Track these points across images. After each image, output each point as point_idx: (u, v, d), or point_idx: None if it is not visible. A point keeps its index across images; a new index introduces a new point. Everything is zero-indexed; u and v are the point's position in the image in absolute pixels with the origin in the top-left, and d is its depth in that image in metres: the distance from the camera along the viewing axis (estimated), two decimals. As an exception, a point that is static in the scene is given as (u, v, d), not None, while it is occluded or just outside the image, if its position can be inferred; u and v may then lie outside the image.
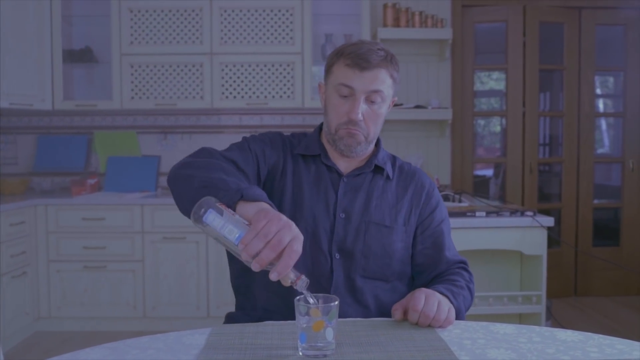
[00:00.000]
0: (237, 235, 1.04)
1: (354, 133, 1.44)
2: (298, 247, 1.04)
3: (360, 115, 1.42)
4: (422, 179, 1.59)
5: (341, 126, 1.45)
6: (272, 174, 1.51)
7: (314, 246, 1.44)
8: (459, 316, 1.33)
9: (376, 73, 1.41)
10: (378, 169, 1.54)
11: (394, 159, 1.62)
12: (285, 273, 1.04)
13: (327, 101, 1.50)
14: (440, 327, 1.23)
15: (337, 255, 1.45)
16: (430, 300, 1.24)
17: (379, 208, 1.49)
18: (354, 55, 1.41)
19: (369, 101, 1.43)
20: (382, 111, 1.46)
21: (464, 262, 1.57)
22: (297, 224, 1.23)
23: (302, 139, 1.58)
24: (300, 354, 1.08)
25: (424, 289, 1.30)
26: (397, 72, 1.48)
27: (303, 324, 1.07)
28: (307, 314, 1.07)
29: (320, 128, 1.59)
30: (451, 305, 1.29)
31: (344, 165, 1.53)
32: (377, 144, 1.58)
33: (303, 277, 1.07)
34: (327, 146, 1.54)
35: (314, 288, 1.12)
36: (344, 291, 1.43)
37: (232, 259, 1.52)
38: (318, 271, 1.43)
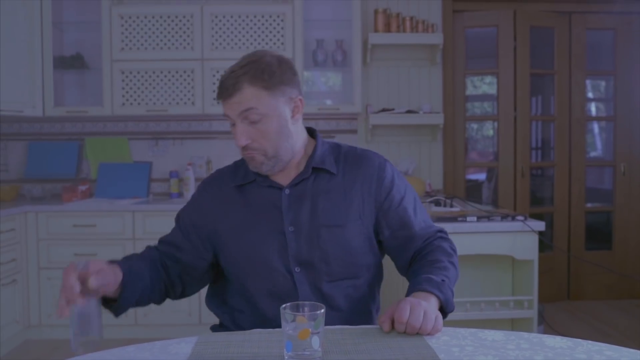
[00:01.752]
0: None
1: (251, 156, 1.43)
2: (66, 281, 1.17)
3: (242, 140, 1.39)
4: (369, 163, 1.52)
5: (241, 152, 1.45)
6: (210, 228, 1.51)
7: (268, 269, 1.44)
8: (448, 303, 1.33)
9: (239, 95, 1.37)
10: (319, 169, 1.50)
11: (338, 149, 1.56)
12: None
13: None
14: (428, 334, 1.22)
15: (298, 269, 1.44)
16: (416, 311, 1.21)
17: (326, 210, 1.46)
18: (218, 87, 1.40)
19: (250, 121, 1.39)
20: (269, 126, 1.40)
21: (441, 231, 1.54)
22: (246, 254, 1.39)
23: (238, 169, 1.55)
24: None
25: (409, 299, 1.26)
26: (271, 79, 1.38)
27: (289, 332, 1.06)
28: (293, 321, 1.06)
29: None
30: (438, 312, 1.26)
31: (284, 178, 1.49)
32: (316, 139, 1.55)
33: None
34: None
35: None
36: (314, 301, 1.42)
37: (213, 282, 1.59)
38: (281, 291, 1.44)
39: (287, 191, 1.48)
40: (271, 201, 1.47)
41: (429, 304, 1.27)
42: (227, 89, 1.37)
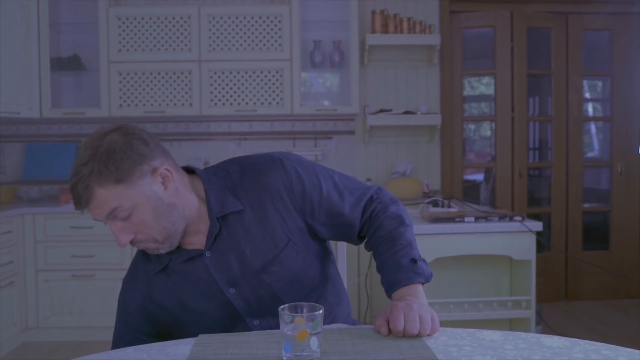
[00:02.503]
0: None
1: (144, 247, 1.30)
2: None
3: (123, 238, 1.26)
4: (267, 176, 1.36)
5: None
6: (154, 324, 1.41)
7: (228, 328, 1.36)
8: (429, 277, 1.32)
9: (94, 202, 1.22)
10: (224, 215, 1.34)
11: (229, 179, 1.37)
12: None
13: None
14: (428, 335, 1.22)
15: (257, 322, 1.37)
16: (410, 317, 1.18)
17: (254, 252, 1.34)
18: (71, 195, 1.24)
19: (120, 219, 1.24)
20: (144, 215, 1.25)
21: (375, 193, 1.43)
22: (205, 331, 1.29)
23: (148, 256, 1.40)
24: None
25: (399, 305, 1.20)
26: (119, 170, 1.21)
27: (287, 333, 1.06)
28: (292, 322, 1.06)
29: None
30: (433, 312, 1.23)
31: (199, 240, 1.35)
32: (204, 183, 1.36)
33: None
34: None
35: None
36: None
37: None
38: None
39: (207, 254, 1.34)
40: (198, 272, 1.35)
41: (418, 301, 1.24)
42: (80, 198, 1.21)
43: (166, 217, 1.28)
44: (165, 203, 1.27)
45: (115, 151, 1.22)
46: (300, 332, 1.05)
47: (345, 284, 1.60)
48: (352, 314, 1.60)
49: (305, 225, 1.39)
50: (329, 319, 1.43)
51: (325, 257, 1.48)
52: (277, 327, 1.23)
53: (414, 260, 1.31)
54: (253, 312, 1.37)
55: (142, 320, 1.41)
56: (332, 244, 1.59)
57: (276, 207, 1.35)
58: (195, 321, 1.37)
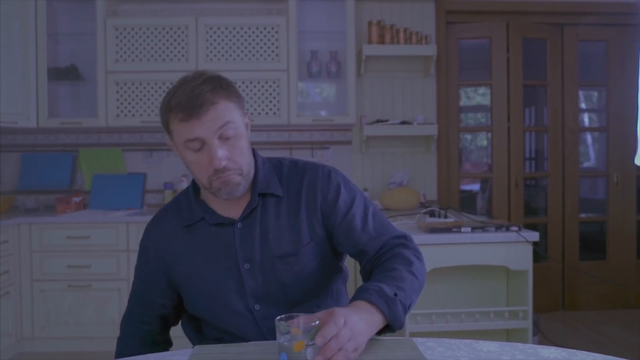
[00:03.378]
0: None
1: (228, 179, 1.31)
2: None
3: (222, 161, 1.28)
4: (311, 177, 1.43)
5: (212, 178, 1.31)
6: (166, 274, 1.45)
7: (228, 311, 1.39)
8: (395, 321, 1.20)
9: (214, 111, 1.27)
10: (265, 193, 1.41)
11: (280, 167, 1.46)
12: None
13: (184, 160, 1.34)
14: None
15: (257, 307, 1.39)
16: (343, 334, 1.07)
17: (277, 238, 1.39)
18: (183, 107, 1.26)
19: (223, 139, 1.29)
20: (241, 141, 1.32)
21: (402, 237, 1.42)
22: (204, 298, 1.36)
23: (181, 208, 1.46)
24: None
25: (346, 315, 1.10)
26: (234, 92, 1.33)
27: (284, 344, 1.06)
28: (288, 333, 1.06)
29: (194, 186, 1.47)
30: (362, 345, 1.12)
31: (234, 210, 1.41)
32: (255, 157, 1.44)
33: None
34: (210, 199, 1.42)
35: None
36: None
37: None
38: (243, 332, 1.39)
39: (239, 225, 1.39)
40: (223, 239, 1.39)
41: (364, 325, 1.14)
42: (198, 106, 1.25)
43: (249, 155, 1.37)
44: (249, 143, 1.37)
45: (223, 78, 1.33)
46: (296, 343, 1.05)
47: None
48: None
49: (326, 235, 1.43)
50: None
51: (338, 273, 1.51)
52: (276, 312, 1.25)
53: (395, 295, 1.22)
54: (257, 294, 1.39)
55: (159, 271, 1.45)
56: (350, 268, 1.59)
57: (309, 206, 1.41)
58: (201, 285, 1.40)
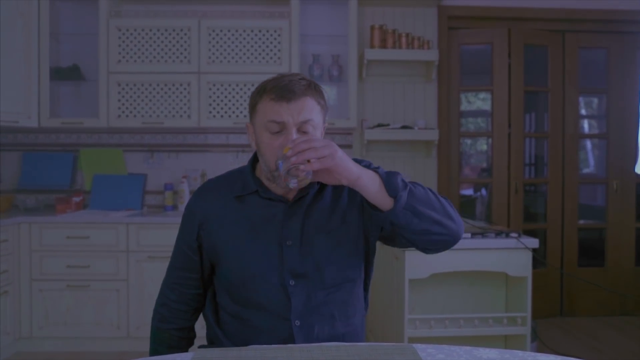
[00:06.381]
0: None
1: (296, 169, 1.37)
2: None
3: None
4: None
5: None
6: (208, 238, 1.51)
7: (263, 283, 1.44)
8: (390, 185, 1.32)
9: (303, 102, 1.37)
10: (324, 187, 1.51)
11: None
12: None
13: (258, 140, 1.43)
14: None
15: (292, 282, 1.44)
16: (319, 141, 1.27)
17: (318, 219, 1.47)
18: (277, 89, 1.37)
19: (301, 132, 1.38)
20: None
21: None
22: (241, 268, 1.43)
23: (235, 179, 1.54)
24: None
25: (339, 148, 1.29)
26: (324, 99, 1.44)
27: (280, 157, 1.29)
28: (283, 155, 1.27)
29: (251, 166, 1.54)
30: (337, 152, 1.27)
31: (290, 194, 1.48)
32: None
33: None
34: (264, 179, 1.49)
35: (272, 322, 1.33)
36: (306, 312, 1.44)
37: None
38: (273, 304, 1.44)
39: (289, 204, 1.47)
40: (271, 214, 1.46)
41: (352, 163, 1.30)
42: (294, 92, 1.36)
43: None
44: None
45: (320, 86, 1.45)
46: (285, 147, 1.27)
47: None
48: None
49: (364, 223, 1.50)
50: (327, 323, 1.47)
51: (368, 273, 1.59)
52: (308, 290, 1.44)
53: (396, 174, 1.35)
54: (295, 270, 1.44)
55: (199, 234, 1.51)
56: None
57: (351, 191, 1.49)
58: (241, 253, 1.46)
